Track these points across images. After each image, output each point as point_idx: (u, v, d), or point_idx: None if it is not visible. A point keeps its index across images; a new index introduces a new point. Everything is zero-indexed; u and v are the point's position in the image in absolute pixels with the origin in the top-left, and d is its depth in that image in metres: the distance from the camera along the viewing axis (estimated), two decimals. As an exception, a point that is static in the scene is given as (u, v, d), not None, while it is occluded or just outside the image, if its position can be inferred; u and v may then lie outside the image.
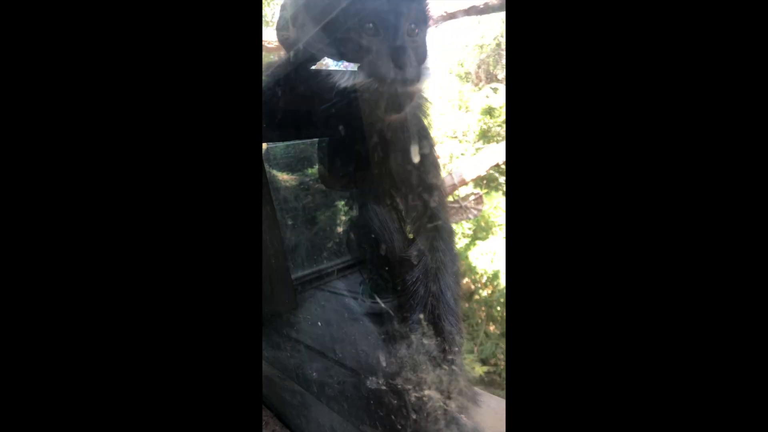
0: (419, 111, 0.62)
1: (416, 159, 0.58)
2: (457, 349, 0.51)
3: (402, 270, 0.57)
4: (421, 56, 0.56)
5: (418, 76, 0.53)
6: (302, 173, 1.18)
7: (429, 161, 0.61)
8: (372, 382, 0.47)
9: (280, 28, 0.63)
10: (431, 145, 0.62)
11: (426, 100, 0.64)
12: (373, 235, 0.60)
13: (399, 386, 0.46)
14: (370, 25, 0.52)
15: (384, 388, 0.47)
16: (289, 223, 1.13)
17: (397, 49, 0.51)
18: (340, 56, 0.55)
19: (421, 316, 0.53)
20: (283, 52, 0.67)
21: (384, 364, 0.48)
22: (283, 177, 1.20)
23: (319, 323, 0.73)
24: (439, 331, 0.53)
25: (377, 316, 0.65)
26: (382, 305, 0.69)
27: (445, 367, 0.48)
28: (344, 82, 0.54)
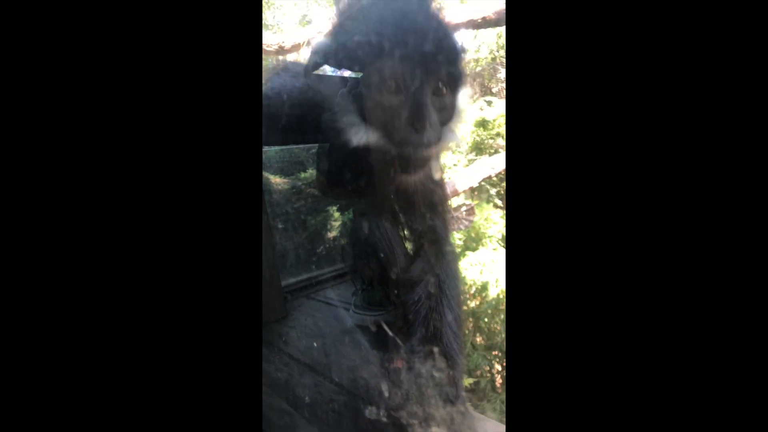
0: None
1: (438, 175, 0.54)
2: (459, 374, 0.49)
3: (403, 286, 0.55)
4: (447, 117, 0.52)
5: (437, 139, 0.49)
6: (295, 177, 1.17)
7: (438, 183, 0.58)
8: (371, 412, 0.45)
9: (309, 71, 0.60)
10: (441, 168, 0.59)
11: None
12: (372, 247, 0.58)
13: (400, 419, 0.43)
14: (392, 83, 0.48)
15: (384, 420, 0.44)
16: (280, 227, 1.11)
17: (416, 110, 0.47)
18: (359, 114, 0.51)
19: (424, 337, 0.50)
20: (280, 57, 0.65)
21: (386, 393, 0.45)
22: (276, 180, 1.18)
23: (310, 335, 0.70)
24: (441, 353, 0.51)
25: (370, 330, 0.63)
26: (377, 318, 0.67)
27: (448, 393, 0.46)
28: (357, 139, 0.50)
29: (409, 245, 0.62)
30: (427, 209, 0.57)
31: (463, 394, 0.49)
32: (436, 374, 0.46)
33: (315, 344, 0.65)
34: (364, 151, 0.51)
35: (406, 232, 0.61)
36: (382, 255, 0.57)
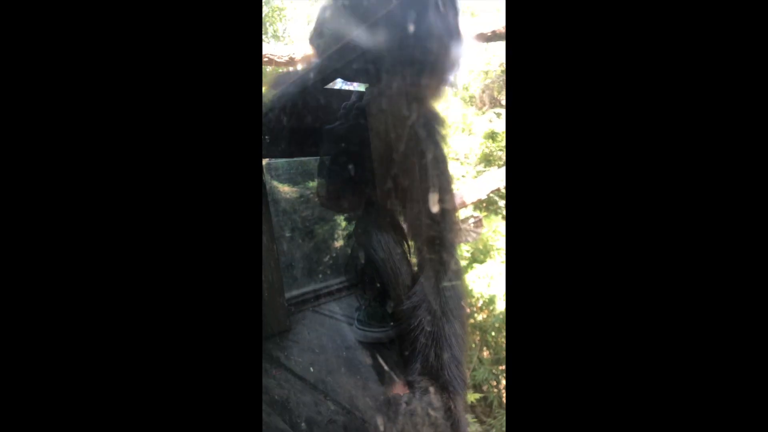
0: (438, 143, 0.56)
1: (435, 209, 0.52)
2: (460, 404, 0.48)
3: (405, 309, 0.53)
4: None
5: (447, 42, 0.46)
6: (303, 186, 1.17)
7: (448, 215, 0.56)
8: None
9: (312, 37, 0.61)
10: (452, 196, 0.57)
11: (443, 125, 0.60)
12: (374, 263, 0.57)
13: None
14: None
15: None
16: (288, 235, 1.11)
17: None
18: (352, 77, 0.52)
19: (423, 368, 0.49)
20: (290, 69, 0.66)
21: (381, 428, 0.44)
22: (284, 189, 1.18)
23: (312, 350, 0.69)
24: (441, 383, 0.49)
25: (371, 348, 0.62)
26: (380, 336, 0.66)
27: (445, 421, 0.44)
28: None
29: (414, 260, 0.61)
30: (437, 242, 0.55)
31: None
32: (432, 413, 0.45)
33: (314, 363, 0.64)
34: (366, 161, 0.50)
35: (409, 246, 0.60)
36: (384, 272, 0.56)
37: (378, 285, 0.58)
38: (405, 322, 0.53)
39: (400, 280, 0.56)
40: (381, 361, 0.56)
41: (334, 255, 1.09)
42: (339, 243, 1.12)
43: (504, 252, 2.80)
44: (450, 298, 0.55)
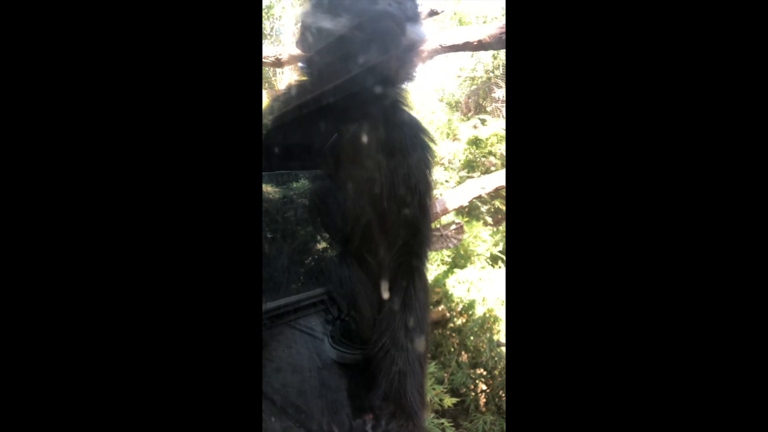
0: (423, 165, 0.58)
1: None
2: (421, 428, 0.49)
3: (372, 335, 0.54)
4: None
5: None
6: (287, 187, 1.16)
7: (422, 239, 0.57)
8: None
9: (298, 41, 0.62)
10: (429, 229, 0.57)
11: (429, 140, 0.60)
12: (348, 276, 0.58)
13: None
14: None
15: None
16: (269, 236, 1.09)
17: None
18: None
19: (386, 393, 0.50)
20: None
21: None
22: (267, 189, 1.17)
23: (284, 369, 0.69)
24: (404, 408, 0.50)
25: (344, 369, 0.63)
26: (356, 356, 0.67)
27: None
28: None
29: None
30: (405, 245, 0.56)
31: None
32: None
33: (286, 384, 0.64)
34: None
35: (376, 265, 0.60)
36: (344, 307, 0.56)
37: (338, 320, 0.58)
38: (371, 347, 0.53)
39: (363, 318, 0.56)
40: (349, 384, 0.57)
41: (317, 259, 1.08)
42: (322, 245, 1.11)
43: (484, 258, 2.85)
44: (416, 319, 0.55)
